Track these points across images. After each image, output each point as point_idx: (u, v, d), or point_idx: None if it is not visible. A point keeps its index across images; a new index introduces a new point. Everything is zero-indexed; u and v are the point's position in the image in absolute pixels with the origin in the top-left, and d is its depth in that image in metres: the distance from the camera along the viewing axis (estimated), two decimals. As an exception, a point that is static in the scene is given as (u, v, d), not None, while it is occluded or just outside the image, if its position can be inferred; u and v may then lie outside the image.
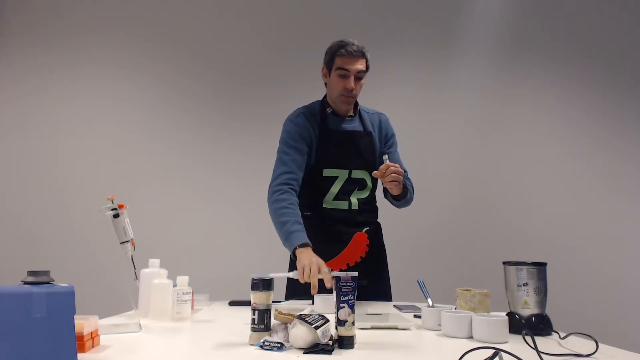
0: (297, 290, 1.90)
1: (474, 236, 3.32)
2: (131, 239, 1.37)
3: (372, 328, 1.33)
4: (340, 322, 1.09)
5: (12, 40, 3.33)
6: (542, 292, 1.31)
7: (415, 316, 1.52)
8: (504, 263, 1.38)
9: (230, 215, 3.28)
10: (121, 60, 3.36)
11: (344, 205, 1.92)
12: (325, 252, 1.90)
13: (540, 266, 1.33)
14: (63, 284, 0.90)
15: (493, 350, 0.93)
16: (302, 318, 1.07)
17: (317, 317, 1.10)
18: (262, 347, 1.07)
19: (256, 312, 1.12)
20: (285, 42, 3.43)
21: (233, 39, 3.42)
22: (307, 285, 1.81)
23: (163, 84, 3.37)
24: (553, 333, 1.30)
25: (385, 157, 1.76)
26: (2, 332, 0.81)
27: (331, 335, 1.10)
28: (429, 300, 1.46)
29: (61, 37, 3.34)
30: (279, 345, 1.06)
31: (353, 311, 1.10)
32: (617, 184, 3.46)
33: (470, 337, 1.21)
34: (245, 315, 1.33)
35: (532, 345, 1.03)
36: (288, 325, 1.11)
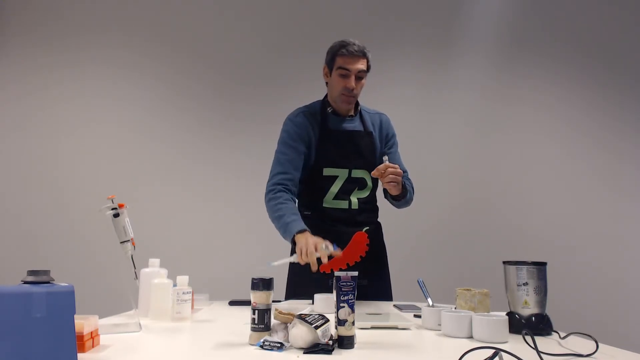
0: (297, 290, 1.91)
1: (474, 236, 3.32)
2: (131, 239, 1.37)
3: (372, 328, 1.33)
4: (340, 322, 1.09)
5: (12, 40, 3.33)
6: (542, 291, 1.31)
7: (415, 316, 1.52)
8: (504, 263, 1.38)
9: (230, 215, 3.28)
10: (121, 60, 3.36)
11: (344, 204, 1.92)
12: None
13: (540, 266, 1.33)
14: (63, 284, 0.90)
15: (493, 350, 0.93)
16: (302, 318, 1.07)
17: (317, 316, 1.10)
18: (262, 347, 1.07)
19: (256, 311, 1.12)
20: (285, 42, 3.43)
21: (233, 39, 3.42)
22: (307, 285, 1.82)
23: (163, 84, 3.37)
24: (553, 333, 1.30)
25: (385, 157, 1.76)
26: (2, 332, 0.81)
27: (331, 335, 1.10)
28: (429, 300, 1.46)
29: (61, 37, 3.34)
30: (279, 345, 1.06)
31: (353, 311, 1.09)
32: (617, 184, 3.46)
33: (470, 337, 1.21)
34: (245, 315, 1.33)
35: (532, 345, 1.03)
36: (288, 325, 1.11)
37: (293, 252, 1.79)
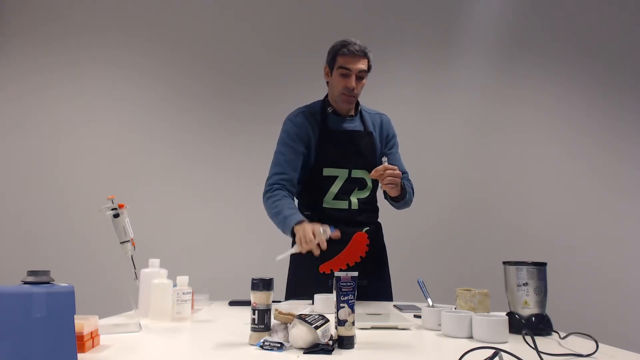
0: (297, 290, 1.91)
1: (474, 236, 3.32)
2: (131, 239, 1.37)
3: (372, 328, 1.33)
4: (340, 322, 1.09)
5: (12, 40, 3.33)
6: (542, 292, 1.31)
7: (415, 316, 1.52)
8: (504, 263, 1.38)
9: (230, 215, 3.28)
10: (121, 60, 3.36)
11: (343, 205, 1.92)
12: (325, 252, 1.91)
13: (540, 266, 1.33)
14: (63, 284, 0.90)
15: (493, 350, 0.93)
16: (302, 318, 1.07)
17: (317, 317, 1.10)
18: (262, 347, 1.07)
19: (256, 312, 1.12)
20: (285, 42, 3.43)
21: (233, 39, 3.42)
22: (307, 285, 1.82)
23: (163, 84, 3.37)
24: (553, 333, 1.29)
25: (384, 159, 1.76)
26: (2, 332, 0.81)
27: (331, 335, 1.10)
28: (429, 300, 1.46)
29: (61, 37, 3.34)
30: (279, 345, 1.06)
31: (353, 311, 1.09)
32: (617, 184, 3.46)
33: (470, 337, 1.21)
34: (245, 315, 1.33)
35: (532, 345, 1.03)
36: (288, 325, 1.11)
37: (294, 244, 1.81)
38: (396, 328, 1.34)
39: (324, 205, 1.91)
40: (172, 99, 3.36)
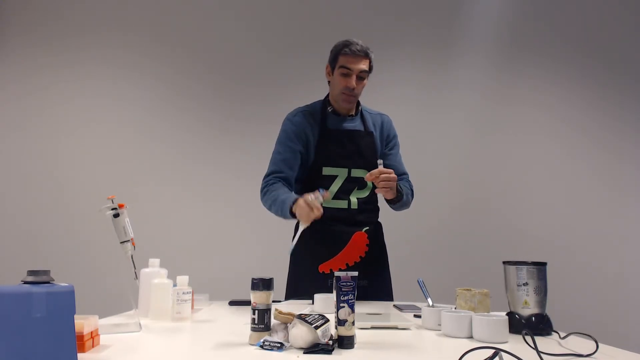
0: (297, 290, 1.91)
1: (474, 236, 3.32)
2: (131, 239, 1.37)
3: (372, 328, 1.33)
4: (340, 322, 1.09)
5: (12, 40, 3.33)
6: (542, 292, 1.31)
7: (415, 316, 1.52)
8: (504, 263, 1.38)
9: (230, 215, 3.28)
10: (121, 60, 3.36)
11: (343, 204, 1.92)
12: (325, 251, 1.91)
13: (540, 266, 1.33)
14: (63, 284, 0.90)
15: (493, 350, 0.93)
16: (302, 318, 1.07)
17: (317, 316, 1.10)
18: (262, 347, 1.07)
19: (256, 312, 1.12)
20: (285, 42, 3.43)
21: (233, 39, 3.42)
22: (307, 285, 1.82)
23: (163, 84, 3.37)
24: (553, 333, 1.29)
25: (380, 161, 1.77)
26: (2, 332, 0.81)
27: (331, 335, 1.10)
28: (429, 300, 1.46)
29: (61, 37, 3.34)
30: (279, 345, 1.06)
31: (353, 311, 1.09)
32: (617, 184, 3.46)
33: (470, 337, 1.21)
34: (245, 315, 1.33)
35: (532, 345, 1.03)
36: (288, 325, 1.11)
37: (298, 225, 1.85)
38: (396, 328, 1.34)
39: (324, 205, 1.91)
40: (172, 99, 3.36)
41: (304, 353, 1.03)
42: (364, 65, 1.87)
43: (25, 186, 3.23)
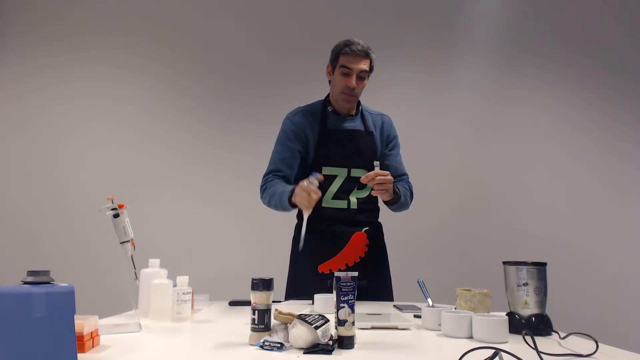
0: (297, 290, 1.91)
1: (474, 236, 3.32)
2: (131, 239, 1.37)
3: (372, 328, 1.33)
4: (340, 322, 1.09)
5: (12, 40, 3.33)
6: (542, 292, 1.31)
7: (415, 316, 1.52)
8: (504, 263, 1.38)
9: (230, 215, 3.28)
10: (121, 60, 3.36)
11: (342, 204, 1.92)
12: (325, 251, 1.91)
13: (540, 266, 1.33)
14: (63, 284, 0.90)
15: (493, 350, 0.93)
16: (302, 318, 1.07)
17: (317, 317, 1.10)
18: (262, 347, 1.07)
19: (256, 312, 1.12)
20: (285, 42, 3.43)
21: (233, 39, 3.42)
22: (307, 285, 1.82)
23: (163, 84, 3.37)
24: (553, 333, 1.29)
25: (377, 163, 1.77)
26: (2, 332, 0.81)
27: (331, 335, 1.10)
28: (429, 300, 1.46)
29: (61, 37, 3.34)
30: (279, 345, 1.06)
31: (353, 311, 1.09)
32: (617, 184, 3.46)
33: (470, 337, 1.21)
34: (245, 315, 1.33)
35: (532, 345, 1.03)
36: (288, 325, 1.11)
37: (299, 213, 1.89)
38: (396, 328, 1.34)
39: (323, 205, 1.91)
40: (172, 99, 3.36)
41: (304, 353, 1.03)
42: (364, 65, 1.87)
43: (25, 186, 3.23)
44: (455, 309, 1.45)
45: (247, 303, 1.29)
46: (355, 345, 1.10)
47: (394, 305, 1.79)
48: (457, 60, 3.49)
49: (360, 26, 3.36)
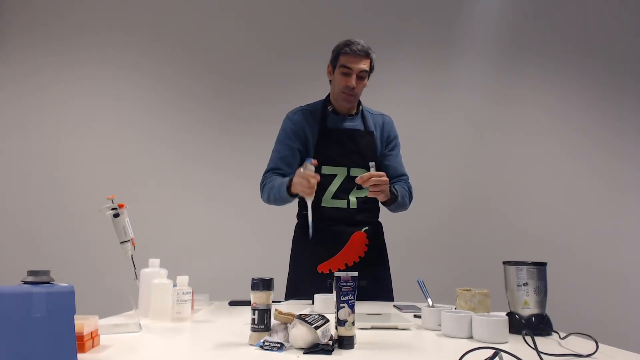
0: (297, 290, 1.91)
1: (474, 236, 3.32)
2: (131, 239, 1.37)
3: (372, 328, 1.33)
4: (340, 322, 1.09)
5: (12, 40, 3.32)
6: (542, 292, 1.31)
7: (415, 316, 1.52)
8: (504, 263, 1.38)
9: (230, 215, 3.28)
10: (121, 60, 3.36)
11: (342, 204, 1.92)
12: (325, 251, 1.91)
13: (540, 266, 1.33)
14: (63, 284, 0.90)
15: (493, 350, 0.93)
16: (302, 318, 1.07)
17: (317, 317, 1.10)
18: (262, 347, 1.07)
19: (256, 312, 1.12)
20: (285, 42, 3.43)
21: (233, 39, 3.42)
22: (307, 285, 1.82)
23: (163, 84, 3.37)
24: (553, 333, 1.29)
25: (372, 164, 1.78)
26: (2, 332, 0.81)
27: (331, 335, 1.10)
28: (429, 300, 1.46)
29: (61, 37, 3.34)
30: (279, 345, 1.06)
31: (353, 311, 1.09)
32: (617, 184, 3.46)
33: (470, 337, 1.21)
34: (245, 315, 1.33)
35: (532, 345, 1.03)
36: (288, 325, 1.11)
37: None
38: (396, 328, 1.34)
39: (323, 205, 1.91)
40: (172, 99, 3.36)
41: (304, 353, 1.03)
42: (364, 65, 1.87)
43: (25, 186, 3.23)
44: (455, 309, 1.45)
45: (247, 303, 1.29)
46: (355, 345, 1.10)
47: (394, 305, 1.79)
48: (457, 60, 3.49)
49: (360, 26, 3.36)
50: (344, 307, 1.09)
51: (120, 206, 1.36)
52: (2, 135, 3.26)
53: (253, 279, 1.13)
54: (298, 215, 2.04)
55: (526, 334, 1.18)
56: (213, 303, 1.85)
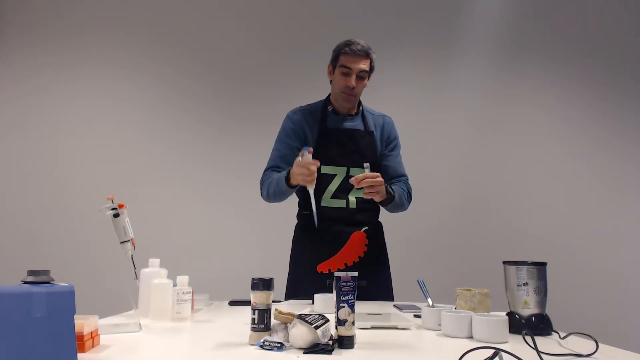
0: (297, 290, 1.91)
1: (474, 236, 3.32)
2: (131, 239, 1.37)
3: (372, 328, 1.33)
4: (340, 322, 1.09)
5: (12, 40, 3.32)
6: (542, 292, 1.31)
7: (415, 316, 1.52)
8: (504, 263, 1.38)
9: (230, 215, 3.28)
10: (121, 60, 3.36)
11: (341, 203, 1.92)
12: (324, 251, 1.91)
13: (540, 266, 1.33)
14: (63, 284, 0.90)
15: (493, 350, 0.93)
16: (302, 318, 1.07)
17: (317, 316, 1.10)
18: (262, 347, 1.07)
19: (256, 312, 1.12)
20: (285, 42, 3.43)
21: (233, 39, 3.42)
22: (307, 285, 1.82)
23: (163, 84, 3.37)
24: (553, 333, 1.29)
25: (367, 165, 1.78)
26: (2, 332, 0.81)
27: (331, 335, 1.10)
28: (429, 300, 1.46)
29: (61, 37, 3.34)
30: (279, 345, 1.06)
31: (353, 311, 1.09)
32: (617, 184, 3.46)
33: (470, 337, 1.21)
34: (245, 315, 1.33)
35: (532, 345, 1.03)
36: (288, 325, 1.11)
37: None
38: (396, 328, 1.34)
39: (322, 204, 1.91)
40: (172, 99, 3.36)
41: (304, 353, 1.03)
42: (364, 65, 1.88)
43: (25, 186, 3.23)
44: (455, 308, 1.45)
45: (247, 303, 1.29)
46: (355, 345, 1.10)
47: (394, 305, 1.79)
48: (457, 60, 3.49)
49: (360, 26, 3.36)
50: (344, 307, 1.09)
51: (120, 206, 1.36)
52: (2, 135, 3.27)
53: (253, 279, 1.13)
54: (298, 216, 2.04)
55: (526, 334, 1.18)
56: (213, 303, 1.85)
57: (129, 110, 3.34)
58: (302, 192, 1.99)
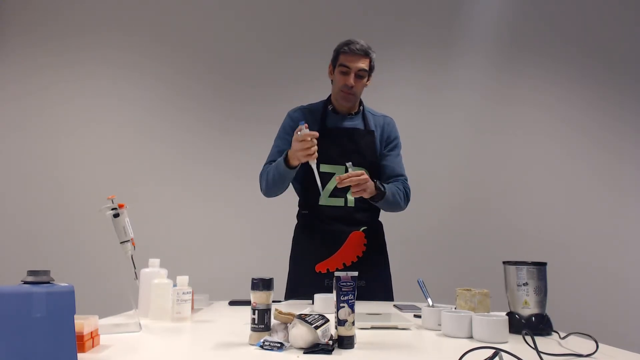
0: (297, 290, 1.91)
1: (474, 236, 3.32)
2: (131, 239, 1.37)
3: (372, 328, 1.33)
4: (340, 322, 1.09)
5: (12, 40, 3.32)
6: (542, 292, 1.31)
7: (415, 316, 1.52)
8: (504, 263, 1.38)
9: (230, 215, 3.28)
10: (121, 60, 3.36)
11: (339, 202, 1.92)
12: (324, 251, 1.91)
13: (540, 266, 1.33)
14: (63, 284, 0.90)
15: (493, 350, 0.93)
16: (302, 318, 1.07)
17: (317, 316, 1.10)
18: (262, 347, 1.07)
19: (256, 311, 1.12)
20: (285, 43, 3.43)
21: (233, 39, 3.42)
22: (307, 285, 1.82)
23: (163, 84, 3.37)
24: (553, 333, 1.29)
25: (349, 164, 1.78)
26: (2, 332, 0.81)
27: (331, 335, 1.10)
28: (429, 300, 1.46)
29: (61, 37, 3.34)
30: (279, 345, 1.06)
31: (353, 311, 1.09)
32: (617, 184, 3.46)
33: (470, 337, 1.21)
34: (245, 315, 1.33)
35: (532, 345, 1.03)
36: (288, 325, 1.11)
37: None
38: (396, 328, 1.34)
39: (320, 203, 1.91)
40: (172, 99, 3.36)
41: (304, 353, 1.03)
42: (363, 64, 1.88)
43: (25, 186, 3.23)
44: (455, 309, 1.45)
45: (247, 303, 1.29)
46: (355, 345, 1.10)
47: (394, 305, 1.79)
48: (457, 60, 3.49)
49: (360, 26, 3.36)
50: (344, 306, 1.09)
51: (120, 206, 1.36)
52: (2, 135, 3.27)
53: (253, 279, 1.13)
54: (298, 215, 2.04)
55: (526, 334, 1.18)
56: (213, 303, 1.85)
57: (129, 110, 3.34)
58: (302, 192, 1.99)
